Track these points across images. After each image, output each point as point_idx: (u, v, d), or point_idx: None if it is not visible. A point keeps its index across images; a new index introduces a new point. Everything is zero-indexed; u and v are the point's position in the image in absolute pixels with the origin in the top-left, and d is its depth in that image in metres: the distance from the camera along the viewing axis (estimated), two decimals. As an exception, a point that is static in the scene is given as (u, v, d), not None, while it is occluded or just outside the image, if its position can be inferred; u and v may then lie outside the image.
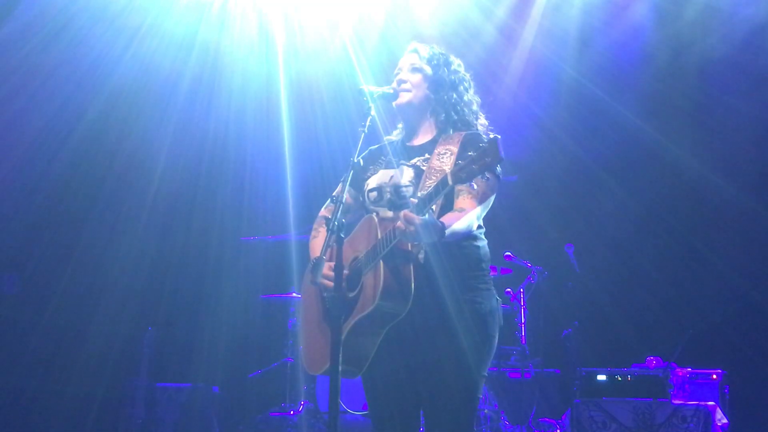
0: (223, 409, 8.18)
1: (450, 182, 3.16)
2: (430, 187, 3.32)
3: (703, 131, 8.00)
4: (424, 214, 3.19)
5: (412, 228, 3.16)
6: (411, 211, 3.19)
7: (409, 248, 3.36)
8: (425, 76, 3.74)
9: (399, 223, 3.19)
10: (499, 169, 3.23)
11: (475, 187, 3.27)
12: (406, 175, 3.62)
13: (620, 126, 8.09)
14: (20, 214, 7.94)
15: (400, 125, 3.88)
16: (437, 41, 3.99)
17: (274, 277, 8.20)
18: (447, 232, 3.25)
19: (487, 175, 3.15)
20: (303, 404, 7.36)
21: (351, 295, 3.46)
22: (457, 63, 3.83)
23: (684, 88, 7.93)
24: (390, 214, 3.56)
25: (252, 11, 8.22)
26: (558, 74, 8.26)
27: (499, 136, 3.10)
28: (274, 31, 8.27)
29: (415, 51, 3.81)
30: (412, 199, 3.28)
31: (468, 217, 3.39)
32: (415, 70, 3.75)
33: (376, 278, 3.35)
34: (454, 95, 3.74)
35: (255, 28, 8.30)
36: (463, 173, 3.12)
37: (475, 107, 3.78)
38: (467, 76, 3.83)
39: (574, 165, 8.41)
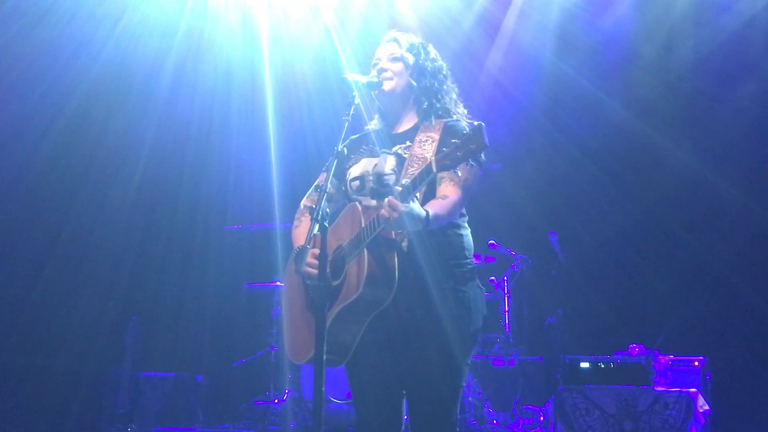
0: (208, 398, 8.17)
1: (434, 169, 3.16)
2: (413, 174, 3.31)
3: (687, 119, 8.02)
4: (409, 202, 3.19)
5: (395, 215, 3.15)
6: (395, 198, 3.18)
7: (393, 236, 3.36)
8: (407, 65, 3.72)
9: (383, 210, 3.19)
10: (483, 156, 3.22)
11: (459, 174, 3.27)
12: (389, 164, 3.61)
13: (604, 114, 8.11)
14: (2, 204, 7.88)
15: (376, 116, 3.85)
16: (419, 26, 3.97)
17: (258, 265, 8.20)
18: (431, 219, 3.25)
19: (471, 162, 3.15)
20: (287, 393, 7.37)
21: (335, 283, 3.46)
22: (434, 52, 3.82)
23: (667, 77, 7.94)
24: (373, 202, 3.55)
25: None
26: (541, 62, 8.26)
27: (483, 124, 3.09)
28: (257, 18, 8.23)
29: (394, 40, 3.79)
30: (397, 187, 3.26)
31: (451, 204, 3.39)
32: (396, 59, 3.73)
33: (360, 266, 3.34)
34: (435, 83, 3.73)
35: (239, 16, 8.26)
36: (447, 160, 3.13)
37: (453, 95, 3.78)
38: (445, 66, 3.82)
39: (558, 153, 8.42)
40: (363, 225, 3.38)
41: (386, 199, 3.18)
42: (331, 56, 7.98)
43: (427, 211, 3.25)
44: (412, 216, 3.19)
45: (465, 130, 3.40)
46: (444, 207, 3.35)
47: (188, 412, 7.75)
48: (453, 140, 3.15)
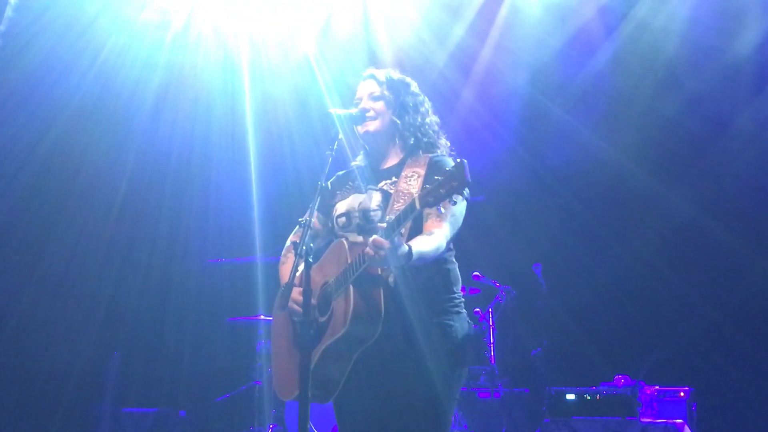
0: (191, 434, 8.08)
1: (417, 206, 3.15)
2: (398, 210, 3.29)
3: (663, 150, 8.05)
4: (393, 239, 3.16)
5: (381, 253, 3.13)
6: (380, 236, 3.15)
7: (379, 272, 3.34)
8: (388, 103, 3.71)
9: (368, 248, 3.16)
10: (467, 192, 3.20)
11: (443, 210, 3.24)
12: (374, 200, 3.60)
13: (584, 147, 8.14)
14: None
15: (361, 153, 3.83)
16: (398, 57, 3.96)
17: (240, 299, 8.11)
18: (414, 255, 3.22)
19: (455, 198, 3.12)
20: (272, 428, 7.28)
21: (322, 320, 3.43)
22: (414, 85, 3.81)
23: (642, 107, 7.97)
24: (360, 239, 3.53)
25: (215, 31, 8.19)
26: (522, 95, 8.28)
27: (465, 161, 3.08)
28: (238, 49, 8.24)
29: (372, 77, 3.78)
30: (380, 224, 3.24)
31: (437, 239, 3.37)
32: (376, 98, 3.72)
33: (346, 303, 3.32)
34: (419, 118, 3.73)
35: (220, 47, 8.26)
36: (430, 197, 3.11)
37: (436, 128, 3.78)
38: (425, 98, 3.81)
39: (541, 185, 8.44)
40: (349, 261, 3.36)
41: (371, 238, 3.15)
42: (312, 87, 7.99)
43: (410, 247, 3.22)
44: (396, 253, 3.16)
45: (449, 165, 3.41)
46: (429, 243, 3.33)
47: (170, 449, 7.65)
48: (436, 177, 3.13)
